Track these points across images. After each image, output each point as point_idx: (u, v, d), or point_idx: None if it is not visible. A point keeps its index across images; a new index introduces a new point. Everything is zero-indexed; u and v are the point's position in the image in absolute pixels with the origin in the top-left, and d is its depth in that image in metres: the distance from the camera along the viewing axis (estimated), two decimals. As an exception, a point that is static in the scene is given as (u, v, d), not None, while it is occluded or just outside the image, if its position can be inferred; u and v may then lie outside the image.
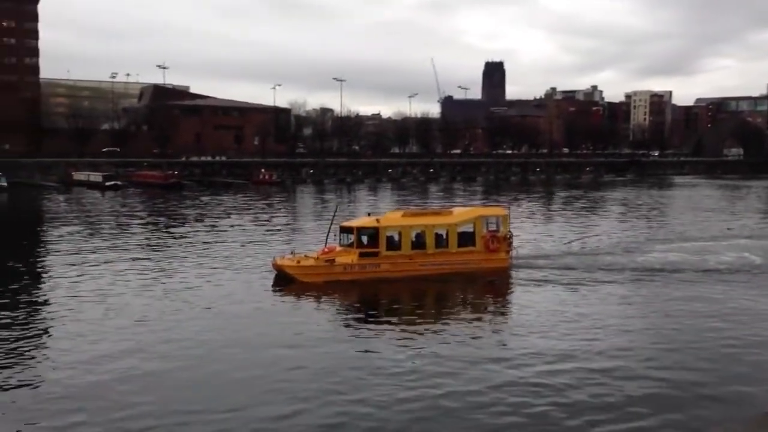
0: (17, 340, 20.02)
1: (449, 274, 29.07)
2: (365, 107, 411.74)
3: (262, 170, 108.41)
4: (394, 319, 23.21)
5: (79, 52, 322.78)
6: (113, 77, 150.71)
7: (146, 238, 43.07)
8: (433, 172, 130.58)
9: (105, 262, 32.93)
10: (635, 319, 23.02)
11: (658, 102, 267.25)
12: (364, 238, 28.80)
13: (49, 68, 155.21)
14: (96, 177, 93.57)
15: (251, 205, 68.65)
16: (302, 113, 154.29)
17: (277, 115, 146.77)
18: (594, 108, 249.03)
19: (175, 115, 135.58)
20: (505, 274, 30.09)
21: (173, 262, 33.06)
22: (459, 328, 22.01)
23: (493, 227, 31.28)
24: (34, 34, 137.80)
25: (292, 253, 29.66)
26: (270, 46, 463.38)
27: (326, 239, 30.42)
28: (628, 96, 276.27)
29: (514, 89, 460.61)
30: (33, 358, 18.68)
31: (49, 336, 20.87)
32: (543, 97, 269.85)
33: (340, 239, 29.58)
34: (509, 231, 31.76)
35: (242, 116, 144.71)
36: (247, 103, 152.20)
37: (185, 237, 43.56)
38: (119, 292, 26.07)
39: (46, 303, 25.11)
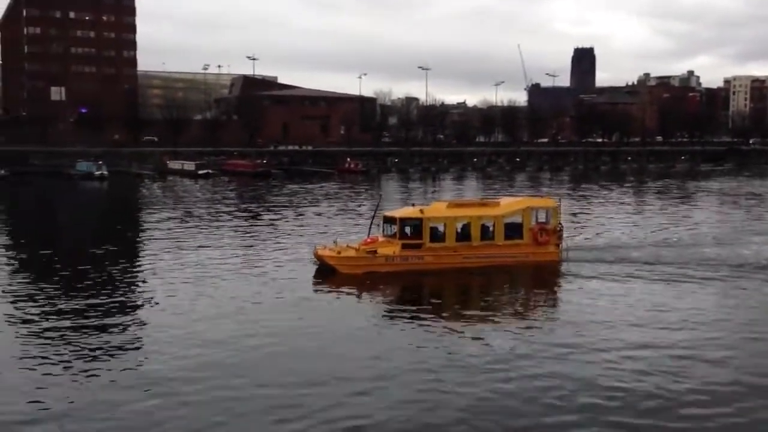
0: (119, 317, 20.95)
1: (495, 267, 28.07)
2: (450, 96, 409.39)
3: (348, 159, 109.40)
4: (438, 312, 22.78)
5: (174, 45, 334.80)
6: (205, 69, 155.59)
7: (234, 224, 44.23)
8: (520, 161, 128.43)
9: (198, 247, 34.00)
10: (692, 316, 21.54)
11: (760, 87, 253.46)
12: (408, 229, 28.30)
13: (146, 61, 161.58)
14: (189, 166, 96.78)
15: (337, 194, 69.43)
16: (387, 102, 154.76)
17: (363, 104, 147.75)
18: (690, 94, 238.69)
19: (264, 105, 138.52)
20: (554, 267, 29.02)
21: (256, 247, 33.82)
22: (506, 322, 21.42)
23: (542, 219, 30.30)
24: (132, 28, 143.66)
25: (334, 242, 29.39)
26: (356, 36, 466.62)
27: (369, 229, 30.07)
28: (727, 81, 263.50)
29: (605, 76, 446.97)
30: (134, 337, 19.45)
31: (147, 313, 21.75)
32: (635, 83, 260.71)
33: (383, 229, 29.15)
34: (560, 223, 30.62)
35: (328, 106, 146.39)
36: (333, 92, 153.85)
37: (272, 224, 44.45)
38: (206, 276, 26.83)
39: (142, 284, 26.17)
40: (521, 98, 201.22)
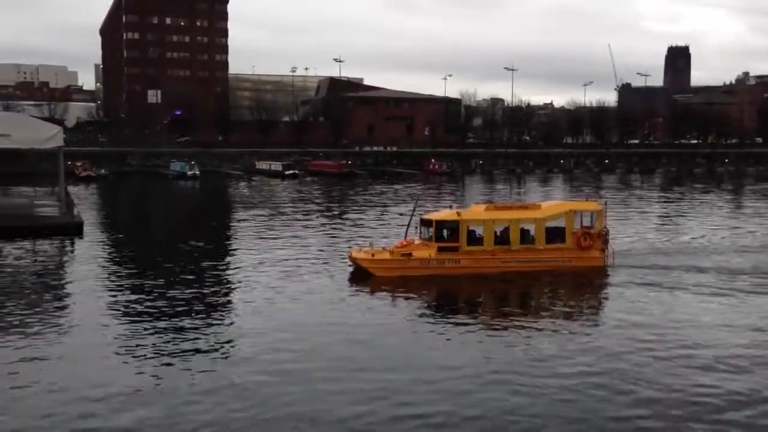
0: (205, 306, 21.58)
1: (535, 272, 27.08)
2: (537, 96, 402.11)
3: (432, 160, 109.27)
4: (474, 317, 22.09)
5: (264, 49, 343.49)
6: (293, 71, 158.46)
7: (320, 223, 44.86)
8: (609, 163, 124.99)
9: (275, 243, 34.64)
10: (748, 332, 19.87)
11: None
12: (444, 232, 27.52)
13: (237, 64, 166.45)
14: (276, 166, 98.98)
15: (420, 195, 69.35)
16: (472, 103, 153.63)
17: (448, 105, 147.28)
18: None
19: (349, 106, 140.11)
20: (599, 273, 27.72)
21: (338, 245, 34.12)
22: (546, 327, 20.43)
23: (587, 223, 29.01)
24: (224, 33, 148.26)
25: (370, 245, 28.96)
26: (441, 37, 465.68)
27: (406, 231, 29.34)
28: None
29: (700, 75, 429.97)
30: (221, 328, 19.97)
31: (228, 308, 22.32)
32: (734, 82, 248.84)
33: (420, 232, 28.44)
34: (605, 227, 29.21)
35: (413, 107, 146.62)
36: (418, 93, 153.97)
37: (354, 223, 44.82)
38: (281, 271, 27.27)
39: (226, 278, 26.85)
40: (611, 98, 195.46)
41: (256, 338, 18.78)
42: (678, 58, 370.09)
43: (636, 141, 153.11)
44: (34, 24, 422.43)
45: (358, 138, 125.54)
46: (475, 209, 29.92)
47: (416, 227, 28.52)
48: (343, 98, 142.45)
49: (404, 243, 27.78)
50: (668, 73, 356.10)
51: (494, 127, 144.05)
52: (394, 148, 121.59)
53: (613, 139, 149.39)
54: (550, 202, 32.55)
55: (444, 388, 15.32)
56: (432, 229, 27.38)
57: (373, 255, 27.11)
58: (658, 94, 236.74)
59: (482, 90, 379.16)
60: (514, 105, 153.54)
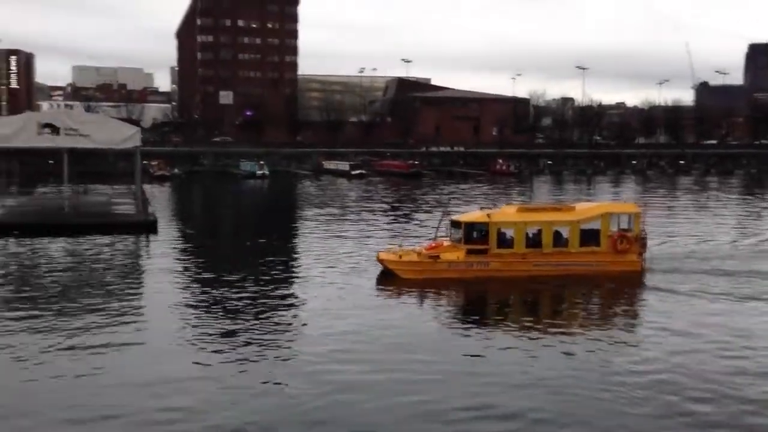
0: (266, 301, 21.98)
1: (568, 277, 26.13)
2: (608, 95, 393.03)
3: (499, 161, 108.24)
4: (504, 323, 21.48)
5: (332, 49, 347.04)
6: (361, 72, 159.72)
7: (383, 222, 45.01)
8: (684, 163, 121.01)
9: (335, 240, 34.94)
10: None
11: None
12: (473, 234, 26.79)
13: (306, 65, 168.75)
14: (344, 166, 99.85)
15: (487, 195, 68.84)
16: (541, 103, 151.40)
17: (516, 105, 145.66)
18: None
19: (417, 106, 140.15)
20: (635, 278, 26.63)
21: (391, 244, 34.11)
22: (578, 333, 19.77)
23: (624, 226, 27.92)
24: (295, 34, 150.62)
25: (400, 246, 28.60)
26: (510, 36, 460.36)
27: (435, 233, 28.85)
28: None
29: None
30: (288, 325, 20.30)
31: (290, 302, 22.68)
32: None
33: (450, 234, 27.89)
34: (643, 230, 28.09)
35: (481, 107, 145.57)
36: (485, 93, 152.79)
37: (420, 223, 44.77)
38: (339, 269, 27.46)
39: (290, 275, 27.27)
40: (687, 97, 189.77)
41: (304, 337, 19.03)
42: (759, 56, 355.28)
43: (713, 141, 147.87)
44: (115, 29, 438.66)
45: (425, 138, 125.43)
46: (506, 211, 29.37)
47: (446, 229, 28.16)
48: (410, 98, 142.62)
49: (433, 245, 27.33)
50: (749, 72, 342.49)
51: (564, 127, 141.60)
52: (461, 149, 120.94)
53: (689, 140, 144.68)
54: (586, 204, 31.61)
55: (479, 397, 14.94)
56: (461, 231, 26.80)
57: (400, 257, 26.74)
58: (737, 92, 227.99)
59: (552, 89, 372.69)
60: (584, 104, 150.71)
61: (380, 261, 26.93)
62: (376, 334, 19.31)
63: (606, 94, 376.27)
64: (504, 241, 26.67)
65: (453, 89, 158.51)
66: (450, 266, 26.09)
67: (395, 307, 22.80)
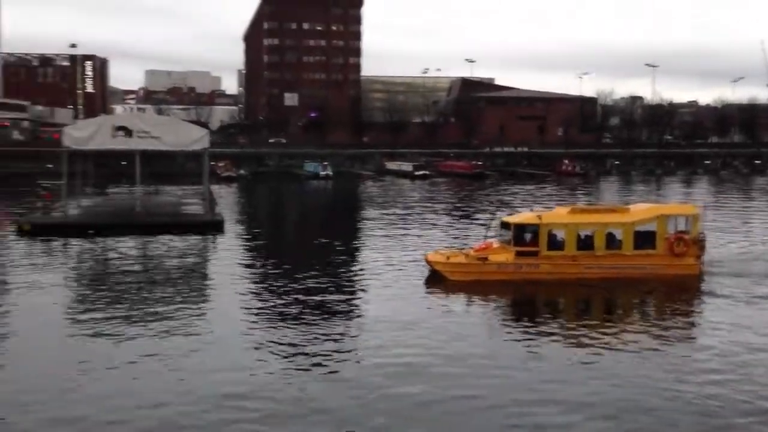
0: (328, 300, 22.21)
1: (622, 280, 25.39)
2: (680, 94, 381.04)
3: (565, 161, 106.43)
4: (555, 327, 20.79)
5: (395, 50, 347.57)
6: (425, 72, 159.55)
7: (445, 222, 44.85)
8: (760, 163, 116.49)
9: (399, 242, 34.96)
10: None
11: None
12: (523, 236, 26.26)
13: (370, 66, 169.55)
14: (407, 167, 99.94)
15: (552, 196, 67.83)
16: (609, 102, 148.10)
17: (583, 104, 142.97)
18: None
19: (480, 106, 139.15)
20: (693, 282, 25.62)
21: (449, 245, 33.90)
22: (631, 340, 19.02)
23: (681, 227, 26.88)
24: (358, 36, 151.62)
25: (447, 247, 28.08)
26: (577, 34, 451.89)
27: (485, 234, 28.44)
28: None
29: None
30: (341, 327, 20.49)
31: (353, 302, 22.86)
32: None
33: (500, 235, 27.43)
34: (701, 232, 26.99)
35: (546, 106, 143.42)
36: (551, 93, 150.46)
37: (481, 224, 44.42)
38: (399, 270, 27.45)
39: (355, 275, 27.48)
40: (763, 95, 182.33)
41: (363, 336, 19.11)
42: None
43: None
44: (185, 34, 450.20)
45: (488, 138, 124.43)
46: (558, 212, 28.63)
47: (497, 230, 27.88)
48: (474, 98, 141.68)
49: (482, 246, 26.95)
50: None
51: (632, 127, 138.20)
52: (526, 149, 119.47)
53: (765, 138, 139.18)
54: (641, 206, 30.54)
55: (536, 406, 14.69)
56: (511, 233, 26.40)
57: (448, 258, 26.49)
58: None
59: (620, 88, 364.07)
60: (654, 103, 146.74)
61: (428, 262, 26.87)
62: (424, 333, 19.33)
63: (677, 92, 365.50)
64: (555, 243, 26.19)
65: (517, 89, 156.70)
66: (498, 268, 25.70)
67: (444, 309, 22.65)
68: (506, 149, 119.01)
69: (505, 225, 27.21)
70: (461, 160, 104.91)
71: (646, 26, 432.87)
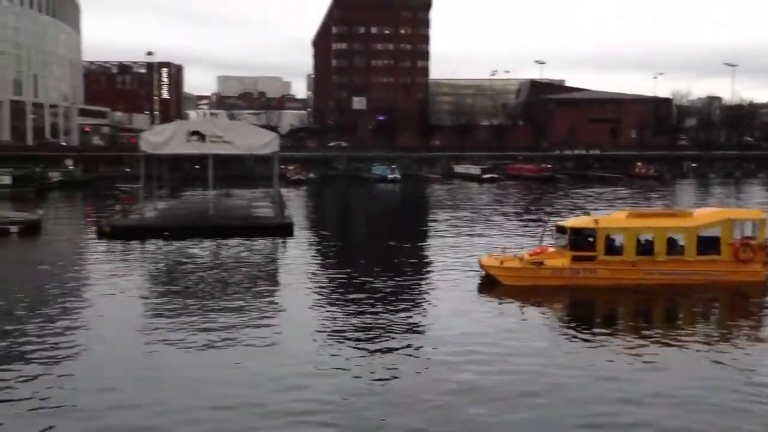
0: (394, 302, 22.23)
1: (683, 287, 24.50)
2: (761, 93, 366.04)
3: (638, 164, 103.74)
4: (613, 333, 20.10)
5: (464, 53, 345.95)
6: (493, 75, 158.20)
7: (513, 225, 44.29)
8: None
9: (463, 245, 34.67)
10: None
11: None
12: (579, 240, 25.51)
13: (437, 69, 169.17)
14: (474, 170, 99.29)
15: (625, 199, 66.19)
16: (685, 103, 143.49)
17: (657, 105, 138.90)
18: None
19: (550, 108, 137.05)
20: (760, 289, 24.52)
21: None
22: (696, 349, 18.24)
23: (748, 233, 25.58)
24: (426, 39, 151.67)
25: (502, 251, 27.60)
26: (652, 33, 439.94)
27: (541, 238, 27.79)
28: None
29: None
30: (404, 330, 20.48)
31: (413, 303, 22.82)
32: None
33: (555, 240, 26.77)
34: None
35: (619, 108, 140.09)
36: (624, 94, 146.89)
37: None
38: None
39: (421, 278, 27.42)
40: None
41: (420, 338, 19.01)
42: None
43: None
44: (256, 40, 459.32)
45: (558, 141, 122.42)
46: (615, 216, 27.97)
47: (552, 234, 27.36)
48: (544, 100, 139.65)
49: (537, 251, 26.53)
50: None
51: (710, 128, 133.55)
52: (597, 151, 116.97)
53: None
54: (705, 210, 29.46)
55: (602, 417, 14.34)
56: (566, 237, 25.83)
57: (501, 262, 26.11)
58: None
59: (697, 89, 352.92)
60: (733, 103, 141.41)
61: (482, 266, 26.66)
62: (476, 340, 19.11)
63: (758, 92, 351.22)
64: (612, 248, 25.58)
65: (589, 90, 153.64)
66: (554, 273, 25.23)
67: (500, 314, 22.34)
68: (577, 152, 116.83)
69: (560, 229, 26.78)
70: (530, 163, 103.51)
71: (724, 25, 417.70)
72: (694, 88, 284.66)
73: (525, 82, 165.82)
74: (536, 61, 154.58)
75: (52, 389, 15.39)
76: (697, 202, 62.54)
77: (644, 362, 17.30)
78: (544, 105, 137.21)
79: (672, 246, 25.65)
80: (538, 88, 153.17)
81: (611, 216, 28.43)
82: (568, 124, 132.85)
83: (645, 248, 25.56)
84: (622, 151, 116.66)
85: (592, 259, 25.31)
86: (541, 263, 25.43)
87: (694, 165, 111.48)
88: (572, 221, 27.77)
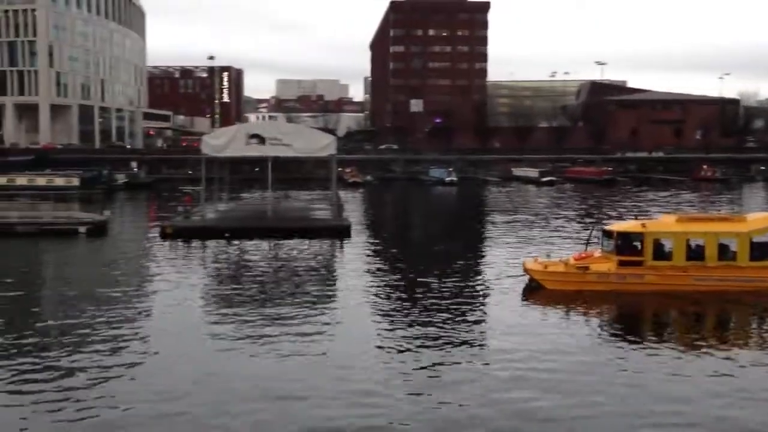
0: (450, 304, 22.07)
1: (736, 293, 23.62)
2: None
3: (704, 166, 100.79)
4: (664, 343, 19.23)
5: (522, 55, 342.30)
6: (552, 76, 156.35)
7: (574, 230, 43.50)
8: None
9: (522, 248, 34.19)
10: None
11: None
12: (626, 245, 24.76)
13: (496, 71, 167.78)
14: (532, 173, 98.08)
15: (690, 202, 64.37)
16: (754, 104, 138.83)
17: (724, 106, 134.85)
18: None
19: (611, 110, 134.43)
20: None
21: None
22: (752, 358, 17.55)
23: None
24: (484, 41, 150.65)
25: (548, 255, 27.04)
26: (718, 33, 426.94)
27: (587, 243, 27.06)
28: None
29: None
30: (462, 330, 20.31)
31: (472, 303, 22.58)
32: None
33: (602, 244, 25.99)
34: None
35: (683, 109, 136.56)
36: (688, 95, 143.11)
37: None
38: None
39: (475, 283, 27.15)
40: None
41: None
42: None
43: None
44: (314, 43, 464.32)
45: (619, 143, 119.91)
46: (664, 220, 27.16)
47: (599, 239, 26.74)
48: (604, 102, 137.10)
49: (583, 255, 25.96)
50: None
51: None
52: (660, 154, 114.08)
53: None
54: (759, 214, 28.22)
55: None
56: (613, 241, 25.15)
57: (546, 267, 25.60)
58: None
59: (766, 89, 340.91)
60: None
61: (525, 270, 26.27)
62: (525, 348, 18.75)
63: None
64: (661, 253, 24.84)
65: (651, 91, 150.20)
66: (599, 278, 24.63)
67: (547, 322, 21.79)
68: (639, 154, 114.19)
69: (607, 234, 26.11)
70: (590, 165, 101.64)
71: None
72: (763, 88, 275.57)
73: (585, 83, 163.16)
74: (597, 62, 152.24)
75: (120, 379, 16.04)
76: (765, 207, 60.35)
77: (694, 372, 16.72)
78: (605, 106, 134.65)
79: (723, 251, 24.90)
80: (598, 89, 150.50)
81: (660, 220, 27.80)
82: (630, 126, 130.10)
83: (695, 253, 24.85)
84: (686, 153, 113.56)
85: (640, 264, 24.73)
86: (587, 268, 24.96)
87: (762, 168, 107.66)
88: (619, 225, 27.25)
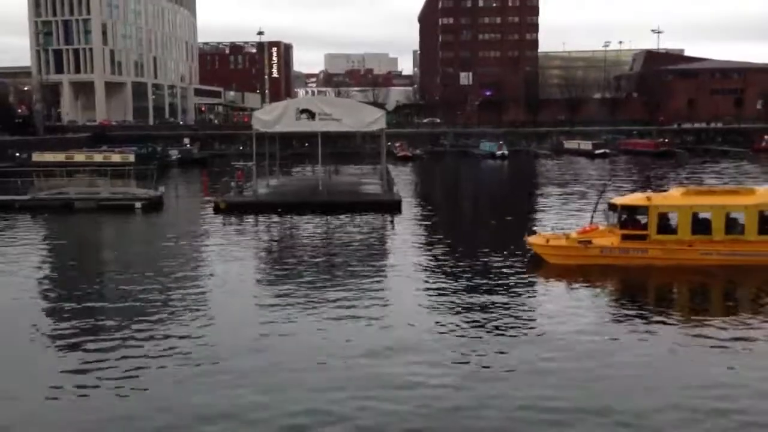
0: (500, 280, 21.86)
1: (743, 268, 22.98)
2: None
3: (765, 137, 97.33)
4: (669, 318, 18.65)
5: (575, 24, 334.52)
6: (606, 46, 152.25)
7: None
8: None
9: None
10: None
11: None
12: (630, 218, 24.13)
13: (547, 42, 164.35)
14: (586, 145, 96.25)
15: (749, 173, 62.30)
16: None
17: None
18: None
19: (667, 80, 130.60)
20: None
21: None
22: (757, 337, 16.89)
23: None
24: (535, 11, 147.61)
25: (551, 229, 26.53)
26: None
27: (591, 217, 26.30)
28: None
29: None
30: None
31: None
32: None
33: (607, 218, 25.34)
34: None
35: (743, 78, 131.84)
36: (750, 63, 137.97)
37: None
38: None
39: (521, 257, 26.85)
40: None
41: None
42: None
43: None
44: (363, 17, 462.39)
45: (676, 114, 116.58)
46: (671, 194, 26.21)
47: (603, 212, 26.13)
48: (660, 72, 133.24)
49: (587, 229, 25.40)
50: None
51: None
52: (719, 124, 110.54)
53: None
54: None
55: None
56: (617, 215, 24.61)
57: (547, 241, 25.20)
58: None
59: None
60: None
61: (529, 245, 25.87)
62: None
63: None
64: (666, 227, 24.27)
65: (710, 60, 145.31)
66: (602, 252, 24.23)
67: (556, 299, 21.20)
68: (696, 125, 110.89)
69: (611, 206, 25.58)
70: (645, 137, 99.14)
71: None
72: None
73: (640, 52, 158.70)
74: (653, 30, 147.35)
75: (180, 346, 16.58)
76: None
77: (702, 355, 16.18)
78: (661, 77, 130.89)
79: (731, 225, 24.18)
80: (654, 58, 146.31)
81: (666, 193, 27.06)
82: (687, 96, 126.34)
83: (702, 227, 24.17)
84: (747, 123, 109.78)
85: (644, 238, 24.24)
86: (590, 242, 24.53)
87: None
88: (623, 198, 26.62)
